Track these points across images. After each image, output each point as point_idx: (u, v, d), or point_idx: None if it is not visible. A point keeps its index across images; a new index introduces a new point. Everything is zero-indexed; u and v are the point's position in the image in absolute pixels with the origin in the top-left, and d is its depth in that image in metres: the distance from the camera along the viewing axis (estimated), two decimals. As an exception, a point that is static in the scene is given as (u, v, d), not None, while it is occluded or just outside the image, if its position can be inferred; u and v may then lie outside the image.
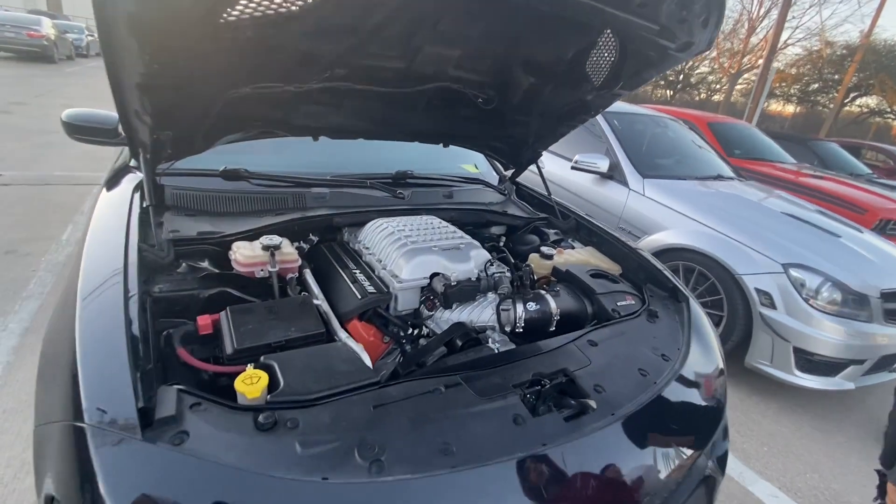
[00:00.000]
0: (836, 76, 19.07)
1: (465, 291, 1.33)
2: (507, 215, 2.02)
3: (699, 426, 1.23)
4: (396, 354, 1.34)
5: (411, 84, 1.49)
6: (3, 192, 4.12)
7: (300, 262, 1.38)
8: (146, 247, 1.21)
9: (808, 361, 2.47)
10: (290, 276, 1.36)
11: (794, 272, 2.50)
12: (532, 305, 1.37)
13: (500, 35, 1.41)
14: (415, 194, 1.89)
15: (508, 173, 2.41)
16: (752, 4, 20.43)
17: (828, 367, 2.47)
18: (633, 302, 1.54)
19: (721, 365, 1.45)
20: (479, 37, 1.37)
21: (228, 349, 1.03)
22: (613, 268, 1.78)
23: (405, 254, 1.37)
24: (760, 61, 16.10)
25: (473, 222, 1.97)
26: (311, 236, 1.62)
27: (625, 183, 3.33)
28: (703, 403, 1.29)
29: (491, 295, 1.41)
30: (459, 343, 1.25)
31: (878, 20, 15.47)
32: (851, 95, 19.57)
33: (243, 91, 1.24)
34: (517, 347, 1.24)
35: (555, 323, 1.39)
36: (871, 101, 20.21)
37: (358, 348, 1.12)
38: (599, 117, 3.62)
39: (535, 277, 1.60)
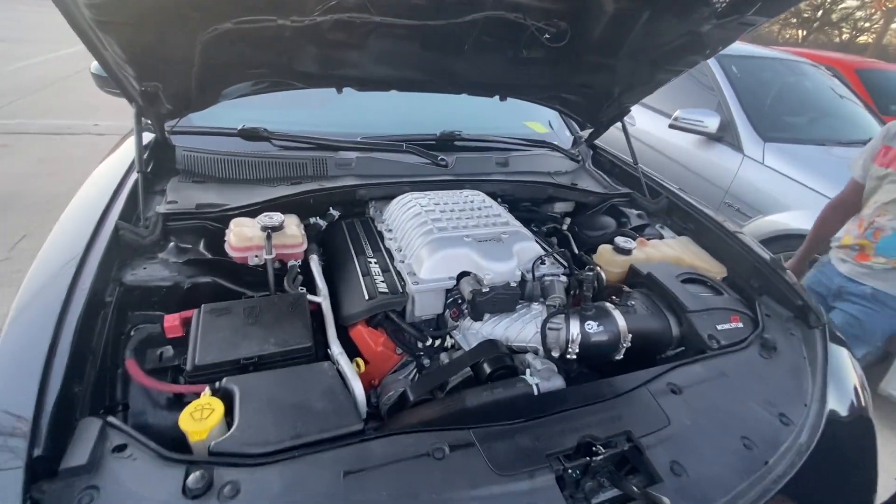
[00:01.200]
0: None
1: (501, 300, 1.01)
2: (577, 189, 1.61)
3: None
4: (411, 370, 1.08)
5: (452, 14, 1.11)
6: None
7: (305, 245, 1.14)
8: (125, 224, 1.03)
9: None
10: (291, 263, 1.13)
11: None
12: (592, 325, 1.01)
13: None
14: (461, 161, 1.54)
15: (585, 134, 1.95)
16: None
17: None
18: (742, 325, 1.12)
19: (872, 430, 1.00)
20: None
21: (188, 364, 0.83)
22: (716, 269, 1.33)
23: (429, 244, 1.07)
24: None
25: (532, 197, 1.60)
26: (332, 211, 1.37)
27: (738, 147, 2.65)
28: (842, 495, 0.89)
29: (537, 306, 1.07)
30: (487, 370, 0.95)
31: None
32: None
33: (223, 28, 0.96)
34: (564, 389, 0.91)
35: (623, 350, 1.03)
36: None
37: (350, 372, 0.87)
38: (711, 61, 2.89)
39: (604, 281, 1.22)
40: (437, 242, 1.07)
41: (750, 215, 2.51)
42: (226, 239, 1.09)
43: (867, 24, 20.27)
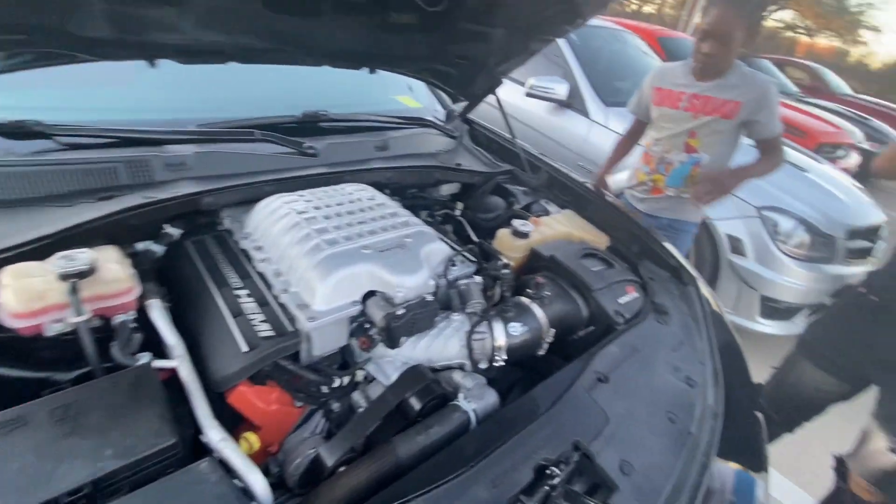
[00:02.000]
0: (759, -12, 19.09)
1: (420, 319, 0.86)
2: (464, 170, 1.51)
3: (744, 450, 0.94)
4: (318, 421, 0.88)
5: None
6: None
7: (137, 289, 0.82)
8: None
9: (773, 308, 2.36)
10: (119, 318, 0.80)
11: (768, 215, 2.29)
12: (515, 327, 0.94)
13: None
14: (333, 148, 1.30)
15: (458, 107, 1.85)
16: None
17: (788, 312, 2.39)
18: (637, 295, 1.17)
19: (749, 372, 1.16)
20: None
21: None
22: (599, 239, 1.38)
23: (320, 265, 0.86)
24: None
25: (419, 183, 1.45)
26: (169, 229, 1.02)
27: (585, 113, 2.88)
28: (743, 437, 1.00)
29: (457, 316, 0.96)
30: (417, 406, 0.81)
31: None
32: (770, 9, 19.89)
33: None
34: (503, 409, 0.82)
35: (546, 346, 0.99)
36: (787, 15, 20.76)
37: (242, 463, 0.64)
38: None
39: (513, 270, 1.16)
40: (329, 261, 0.86)
41: (600, 175, 2.76)
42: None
43: (650, -2, 24.17)
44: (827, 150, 4.27)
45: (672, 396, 0.92)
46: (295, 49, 1.16)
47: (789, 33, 21.50)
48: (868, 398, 1.39)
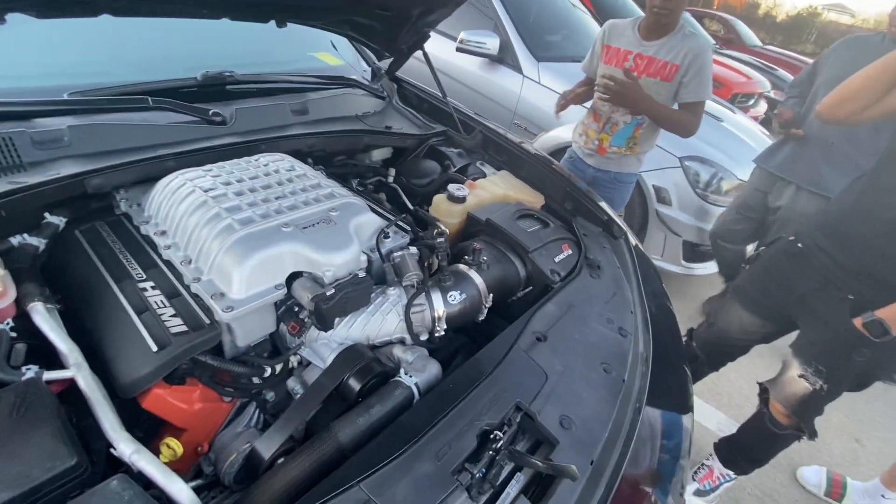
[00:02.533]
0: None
1: (353, 298, 0.81)
2: (395, 133, 1.43)
3: (673, 396, 1.02)
4: (251, 413, 0.82)
5: None
6: None
7: (12, 292, 0.70)
8: None
9: (694, 252, 2.55)
10: (-8, 328, 0.68)
11: (689, 164, 2.42)
12: (454, 295, 0.92)
13: None
14: (243, 114, 1.17)
15: (384, 64, 1.73)
16: None
17: (708, 254, 2.59)
18: (571, 252, 1.19)
19: (676, 320, 1.23)
20: None
21: None
22: (535, 199, 1.39)
23: (233, 247, 0.77)
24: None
25: (347, 150, 1.36)
26: (50, 218, 0.88)
27: (518, 68, 2.83)
28: (672, 380, 1.07)
29: (392, 290, 0.92)
30: (356, 387, 0.78)
31: None
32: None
33: None
34: (446, 380, 0.81)
35: (486, 311, 0.98)
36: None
37: (162, 475, 0.58)
38: (484, -19, 2.91)
39: (450, 237, 1.13)
40: (244, 242, 0.78)
41: (535, 133, 2.77)
42: None
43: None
44: (740, 99, 4.56)
45: (606, 347, 0.96)
46: (189, 1, 1.00)
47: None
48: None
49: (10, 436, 0.56)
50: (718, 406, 2.13)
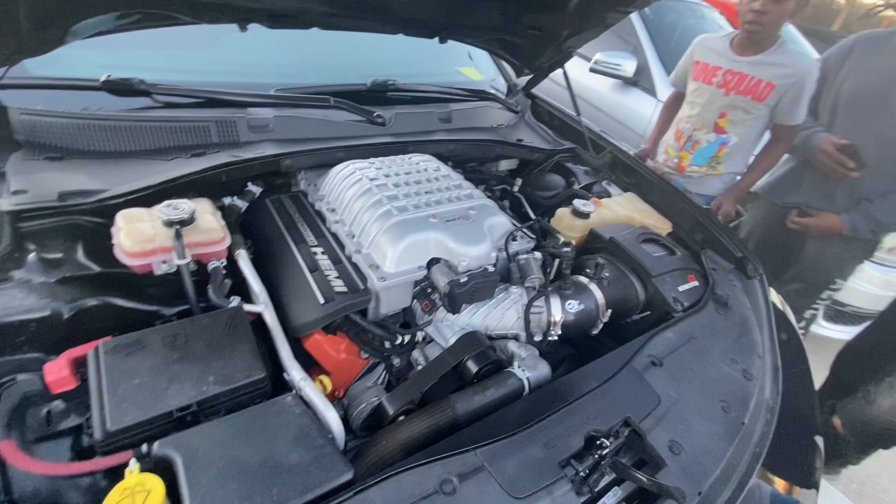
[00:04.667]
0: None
1: (481, 289, 0.90)
2: (525, 146, 1.50)
3: (794, 467, 0.94)
4: (380, 373, 0.95)
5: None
6: None
7: (228, 239, 0.90)
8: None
9: (839, 313, 2.23)
10: (213, 264, 0.89)
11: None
12: (573, 304, 0.96)
13: None
14: (400, 118, 1.33)
15: (521, 81, 1.82)
16: None
17: (856, 317, 2.24)
18: (698, 284, 1.15)
19: (812, 382, 1.12)
20: None
21: (97, 431, 0.61)
22: (663, 226, 1.36)
23: (390, 230, 0.91)
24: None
25: (480, 157, 1.46)
26: (251, 187, 1.11)
27: (652, 91, 2.74)
28: (795, 431, 0.99)
29: (515, 288, 0.99)
30: (473, 369, 0.86)
31: None
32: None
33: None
34: (558, 381, 0.85)
35: (601, 325, 1.00)
36: (893, -12, 18.37)
37: (321, 401, 0.72)
38: (628, 2, 2.86)
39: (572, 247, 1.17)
40: (399, 227, 0.91)
41: (662, 159, 2.65)
42: (114, 241, 0.81)
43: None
44: None
45: (727, 386, 0.91)
46: (374, 17, 1.19)
47: (890, 12, 19.07)
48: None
49: (224, 346, 0.73)
50: (846, 492, 1.83)
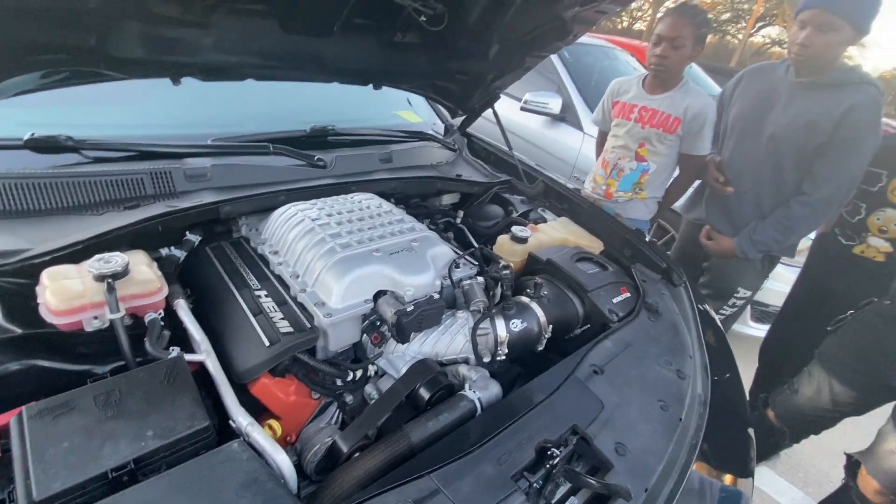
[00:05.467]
0: (746, 5, 19.80)
1: (428, 316, 0.93)
2: (463, 180, 1.59)
3: (733, 461, 1.00)
4: (333, 413, 0.93)
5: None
6: None
7: (165, 289, 0.88)
8: None
9: (763, 312, 2.44)
10: (150, 316, 0.86)
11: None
12: (516, 323, 1.01)
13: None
14: (341, 160, 1.38)
15: (457, 121, 1.94)
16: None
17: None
18: (630, 295, 1.24)
19: (735, 365, 1.22)
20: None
21: (21, 501, 0.56)
22: (596, 245, 1.46)
23: (334, 266, 0.93)
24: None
25: (422, 193, 1.53)
26: (190, 236, 1.09)
27: (578, 126, 2.98)
28: (730, 428, 1.06)
29: (461, 313, 1.02)
30: (426, 395, 0.87)
31: None
32: (758, 25, 20.53)
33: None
34: (507, 398, 0.88)
35: (545, 341, 1.06)
36: (774, 31, 21.39)
37: (269, 445, 0.70)
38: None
39: (513, 272, 1.23)
40: (343, 262, 0.93)
41: (594, 186, 2.86)
42: (39, 301, 0.77)
43: (640, 14, 24.88)
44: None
45: (663, 386, 0.98)
46: (309, 66, 1.25)
47: (776, 49, 22.10)
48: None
49: (162, 399, 0.70)
50: (793, 482, 1.95)
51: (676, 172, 1.93)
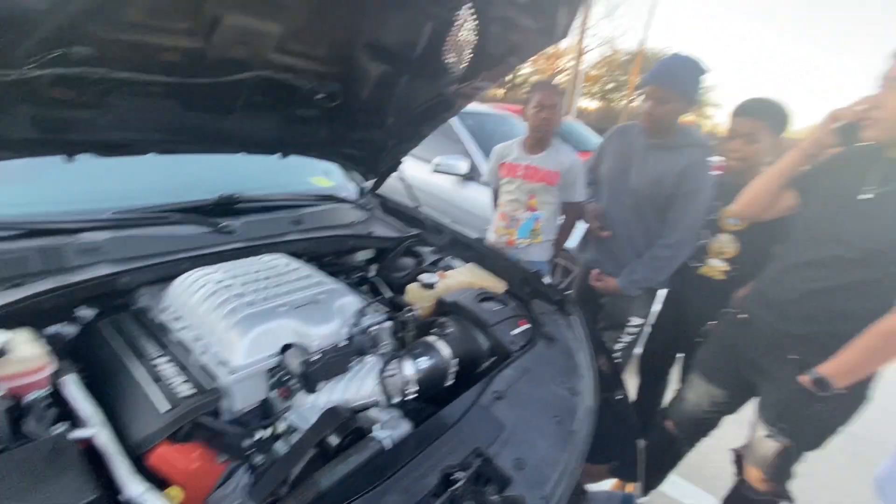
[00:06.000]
0: (624, 77, 23.33)
1: (335, 363, 0.97)
2: (375, 237, 1.69)
3: (624, 468, 1.11)
4: (242, 475, 0.92)
5: (215, 73, 1.05)
6: None
7: (51, 367, 0.85)
8: None
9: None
10: (33, 395, 0.82)
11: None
12: (423, 361, 1.08)
13: (334, 6, 1.07)
14: (249, 225, 1.42)
15: (369, 184, 2.08)
16: (558, 14, 23.70)
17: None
18: (528, 326, 1.37)
19: (625, 387, 1.37)
20: (303, 8, 1.01)
21: None
22: (498, 285, 1.60)
23: (238, 323, 0.95)
24: (570, 63, 18.75)
25: (334, 251, 1.60)
26: (83, 311, 1.06)
27: (486, 183, 3.27)
28: (620, 435, 1.18)
29: (369, 358, 1.08)
30: (335, 441, 0.89)
31: (649, 34, 19.42)
32: (637, 93, 24.17)
33: None
34: (414, 432, 0.93)
35: (453, 376, 1.13)
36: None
37: (164, 509, 0.68)
38: (454, 117, 3.51)
39: (419, 315, 1.32)
40: (248, 319, 0.96)
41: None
42: None
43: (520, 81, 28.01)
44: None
45: (558, 404, 1.09)
46: (213, 140, 1.32)
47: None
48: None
49: (46, 477, 0.67)
50: (706, 488, 2.11)
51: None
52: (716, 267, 1.87)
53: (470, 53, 1.29)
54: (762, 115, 1.71)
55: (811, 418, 1.40)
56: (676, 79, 1.77)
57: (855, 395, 1.35)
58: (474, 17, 1.18)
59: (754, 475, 1.51)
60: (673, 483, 2.05)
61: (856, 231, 1.28)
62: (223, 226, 1.36)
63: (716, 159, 1.93)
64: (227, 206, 1.48)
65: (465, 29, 1.23)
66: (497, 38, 1.24)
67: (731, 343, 1.61)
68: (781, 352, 1.44)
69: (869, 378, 1.33)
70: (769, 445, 1.46)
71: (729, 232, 1.82)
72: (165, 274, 1.16)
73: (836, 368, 1.29)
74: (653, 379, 2.24)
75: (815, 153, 1.39)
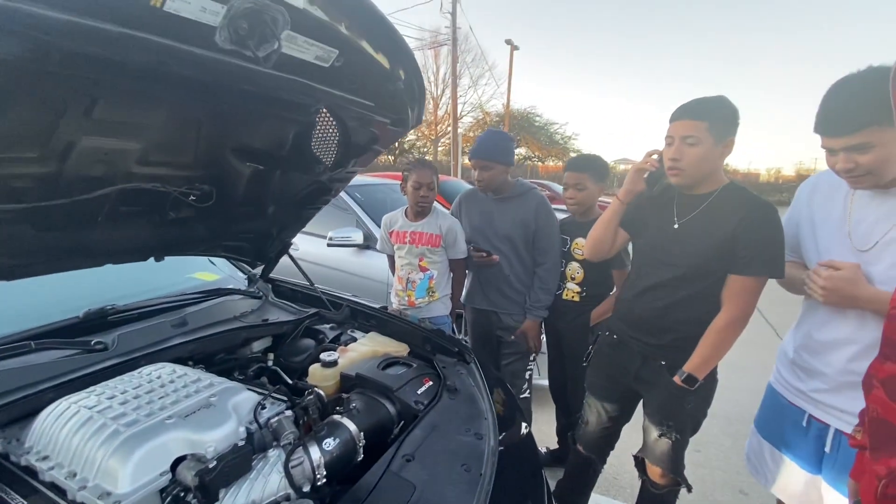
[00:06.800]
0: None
1: (235, 466, 0.95)
2: (270, 324, 1.68)
3: (534, 491, 1.20)
4: None
5: (74, 192, 1.04)
6: None
7: None
8: None
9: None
10: None
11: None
12: (329, 443, 1.09)
13: (195, 121, 1.15)
14: (125, 338, 1.34)
15: (258, 270, 2.06)
16: (432, 86, 26.03)
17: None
18: (432, 383, 1.46)
19: (524, 419, 1.50)
20: (163, 125, 1.07)
21: None
22: (401, 349, 1.68)
23: (119, 448, 0.89)
24: (449, 128, 20.56)
25: (227, 347, 1.55)
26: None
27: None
28: (526, 465, 1.28)
29: (273, 451, 1.06)
30: (243, 551, 0.86)
31: (510, 97, 22.35)
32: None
33: None
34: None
35: (361, 451, 1.15)
36: (522, 150, 28.51)
37: None
38: (342, 192, 3.64)
39: (325, 398, 1.33)
40: (130, 441, 0.90)
41: (409, 296, 3.21)
42: None
43: (425, 150, 29.99)
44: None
45: (466, 451, 1.16)
46: (73, 257, 1.25)
47: (528, 162, 29.33)
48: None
49: None
50: (624, 498, 2.28)
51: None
52: (572, 290, 2.28)
53: (335, 147, 1.43)
54: (586, 168, 2.21)
55: (689, 411, 1.65)
56: (491, 151, 2.27)
57: (710, 382, 1.64)
58: (332, 119, 1.34)
59: (656, 472, 1.71)
60: (595, 501, 2.18)
61: (678, 253, 1.61)
62: (94, 343, 1.27)
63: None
64: (95, 322, 1.38)
65: (328, 126, 1.38)
66: (358, 132, 1.40)
67: (611, 362, 1.85)
68: (654, 361, 1.69)
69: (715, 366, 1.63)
70: (664, 443, 1.68)
71: (577, 260, 2.26)
72: (25, 411, 1.05)
73: (696, 365, 1.56)
74: (563, 404, 2.46)
75: (629, 199, 1.76)
